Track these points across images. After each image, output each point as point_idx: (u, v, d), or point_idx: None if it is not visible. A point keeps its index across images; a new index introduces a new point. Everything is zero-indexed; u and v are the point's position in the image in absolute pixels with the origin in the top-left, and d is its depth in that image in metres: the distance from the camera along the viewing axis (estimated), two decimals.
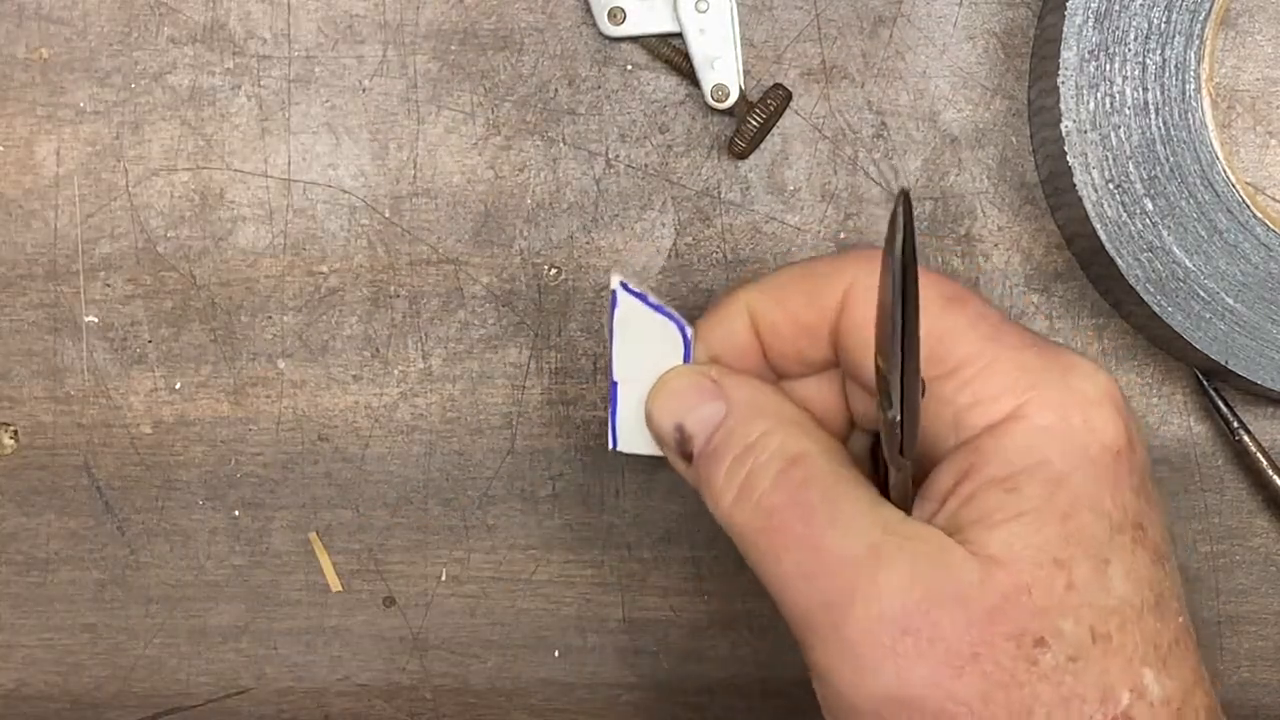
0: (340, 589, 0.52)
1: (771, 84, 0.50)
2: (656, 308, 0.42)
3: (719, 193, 0.51)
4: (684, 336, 0.42)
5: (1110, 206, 0.47)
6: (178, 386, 0.51)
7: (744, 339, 0.41)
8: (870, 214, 0.51)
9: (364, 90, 0.51)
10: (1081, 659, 0.35)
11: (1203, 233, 0.48)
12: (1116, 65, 0.47)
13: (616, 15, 0.50)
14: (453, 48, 0.51)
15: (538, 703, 0.52)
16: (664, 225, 0.51)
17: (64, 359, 0.52)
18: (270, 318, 0.51)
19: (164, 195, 0.51)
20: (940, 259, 0.51)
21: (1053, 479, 0.36)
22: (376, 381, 0.51)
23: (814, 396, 0.42)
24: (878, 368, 0.35)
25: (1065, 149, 0.47)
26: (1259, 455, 0.50)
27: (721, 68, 0.50)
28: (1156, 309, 0.48)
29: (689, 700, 0.52)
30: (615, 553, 0.52)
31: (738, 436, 0.39)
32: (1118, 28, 0.47)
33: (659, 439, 0.42)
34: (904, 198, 0.31)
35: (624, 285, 0.42)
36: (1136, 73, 0.47)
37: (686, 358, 0.42)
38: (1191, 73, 0.47)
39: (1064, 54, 0.47)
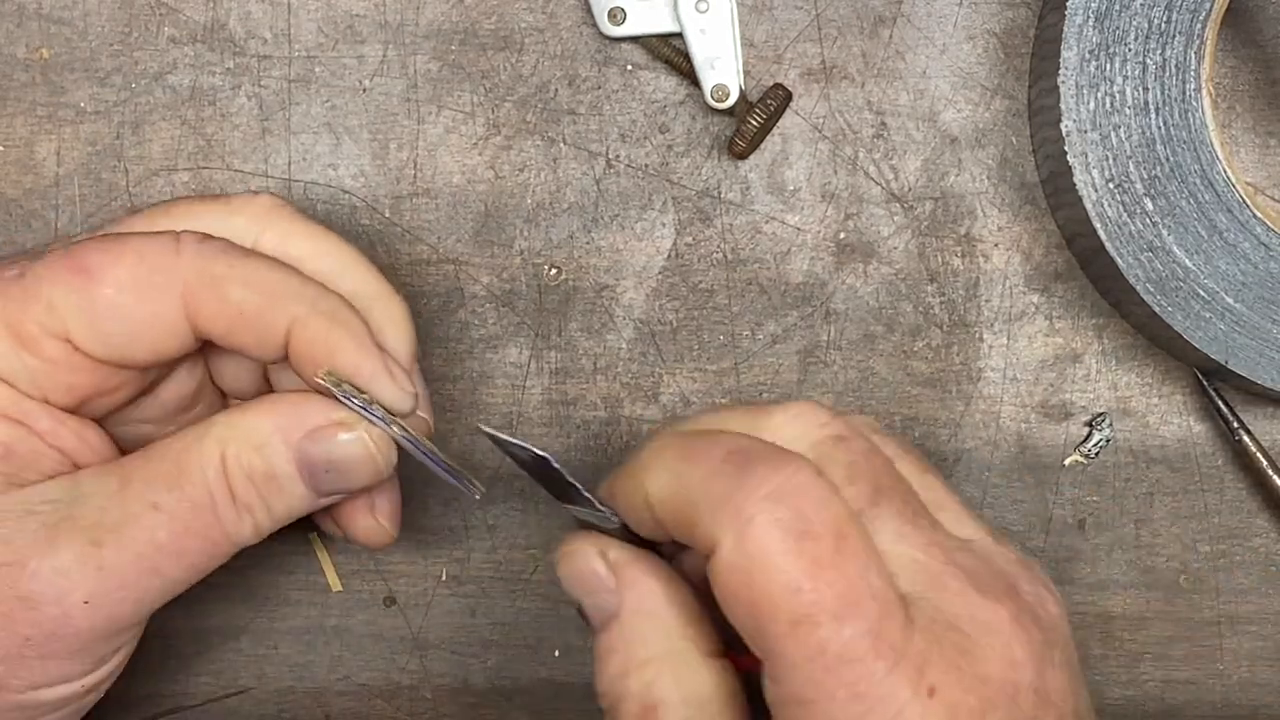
0: (340, 589, 0.52)
1: (771, 84, 0.50)
2: (364, 409, 0.42)
3: (719, 193, 0.51)
4: (407, 439, 0.42)
5: (1110, 206, 0.47)
6: None
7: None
8: (870, 214, 0.51)
9: (364, 90, 0.51)
10: None
11: (1203, 232, 0.48)
12: (1117, 65, 0.47)
13: (616, 15, 0.50)
14: (453, 48, 0.51)
15: (538, 702, 0.52)
16: (664, 225, 0.51)
17: None
18: None
19: (164, 195, 0.51)
20: (940, 259, 0.51)
21: None
22: None
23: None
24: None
25: (1065, 149, 0.47)
26: (1259, 455, 0.50)
27: (721, 68, 0.50)
28: (1156, 309, 0.48)
29: None
30: None
31: (621, 654, 0.39)
32: (1118, 27, 0.47)
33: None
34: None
35: (328, 388, 0.42)
36: (1137, 72, 0.47)
37: (418, 448, 0.43)
38: (1192, 72, 0.47)
39: (1064, 54, 0.47)
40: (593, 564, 0.40)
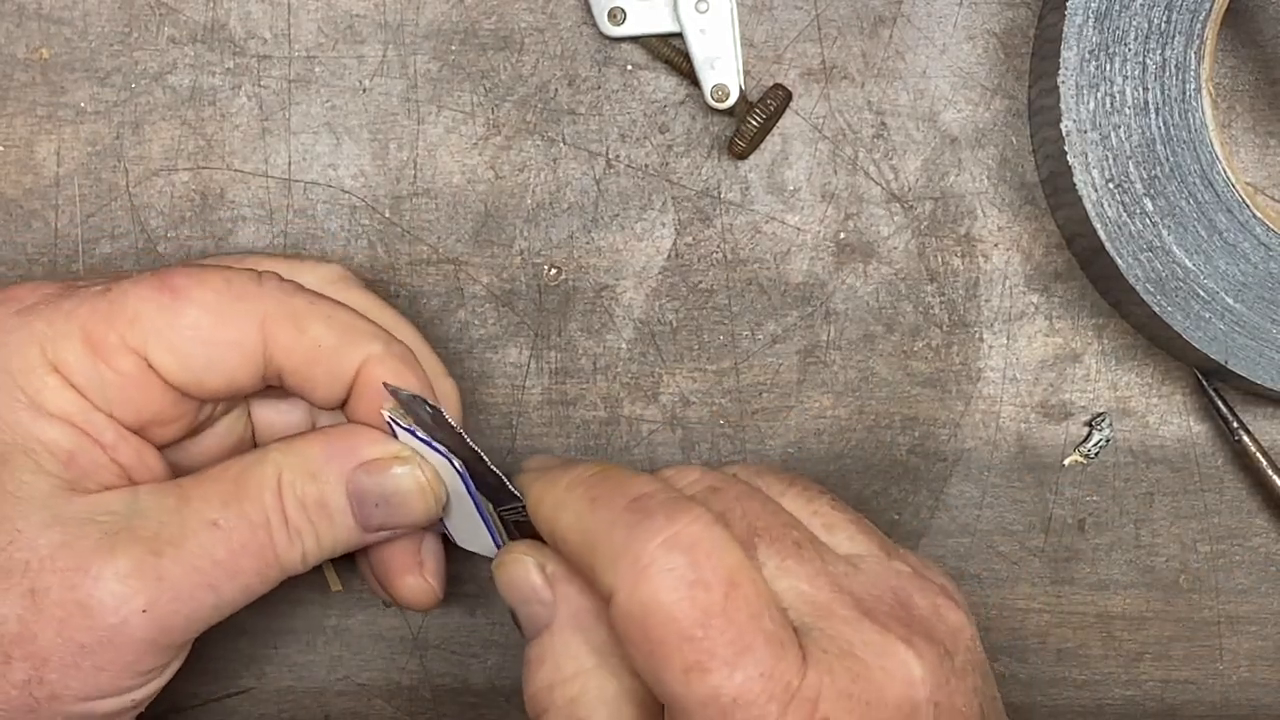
0: (340, 589, 0.52)
1: (771, 84, 0.50)
2: (425, 441, 0.42)
3: (719, 193, 0.51)
4: (457, 471, 0.43)
5: (1110, 206, 0.47)
6: None
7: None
8: (870, 214, 0.51)
9: (364, 90, 0.51)
10: None
11: (1203, 233, 0.48)
12: (1116, 65, 0.47)
13: (616, 15, 0.50)
14: (453, 48, 0.51)
15: None
16: (664, 225, 0.51)
17: None
18: None
19: (164, 195, 0.51)
20: (940, 259, 0.51)
21: None
22: None
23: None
24: None
25: (1065, 149, 0.47)
26: (1259, 455, 0.50)
27: (721, 68, 0.50)
28: (1156, 309, 0.48)
29: None
30: None
31: (549, 665, 0.40)
32: (1118, 27, 0.47)
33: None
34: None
35: (393, 422, 0.42)
36: (1136, 72, 0.47)
37: (467, 486, 0.43)
38: (1191, 73, 0.47)
39: (1064, 54, 0.47)
40: (530, 575, 0.40)
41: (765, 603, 0.36)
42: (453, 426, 0.42)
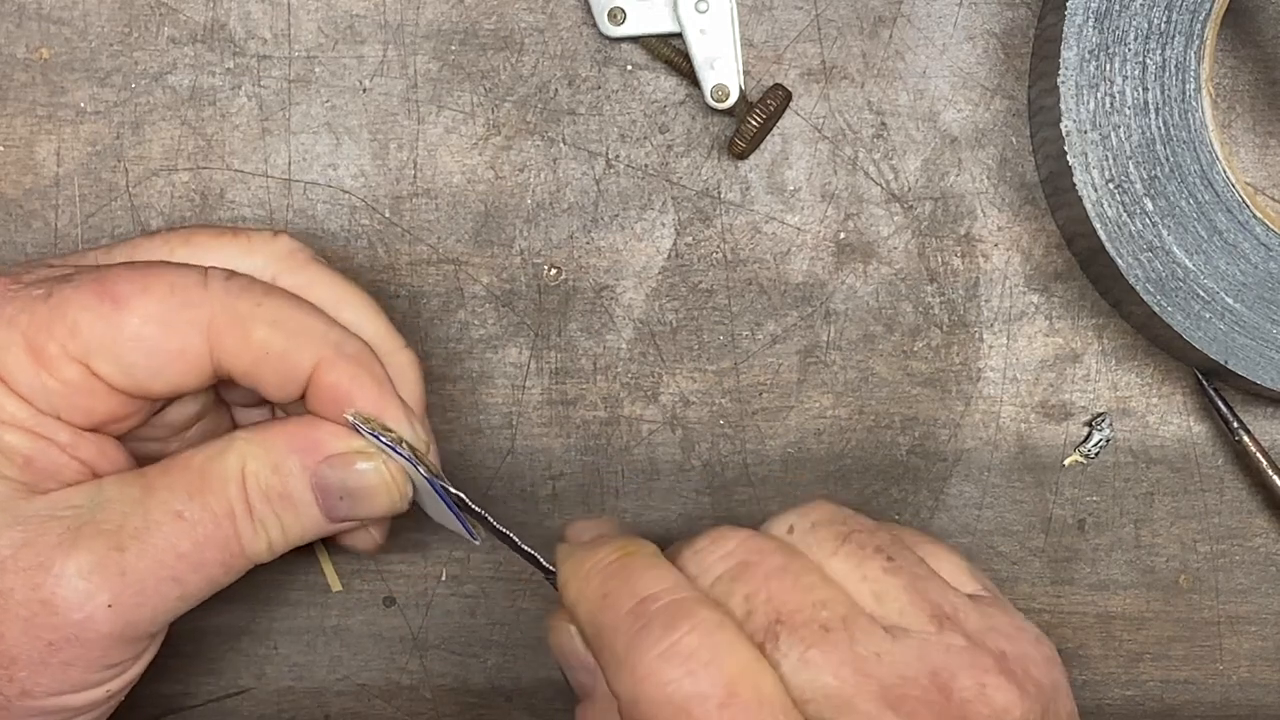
0: (340, 589, 0.52)
1: (771, 84, 0.50)
2: (391, 447, 0.42)
3: (719, 193, 0.51)
4: (424, 476, 0.43)
5: (1110, 206, 0.48)
6: None
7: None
8: (870, 214, 0.51)
9: (364, 90, 0.51)
10: None
11: (1202, 233, 0.48)
12: (1116, 65, 0.47)
13: (616, 15, 0.50)
14: (453, 48, 0.51)
15: (538, 703, 0.52)
16: (664, 225, 0.51)
17: None
18: None
19: (164, 195, 0.51)
20: (940, 259, 0.51)
21: None
22: None
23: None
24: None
25: (1065, 149, 0.47)
26: (1259, 455, 0.50)
27: (721, 68, 0.50)
28: (1156, 309, 0.48)
29: None
30: None
31: None
32: (1118, 27, 0.47)
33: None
34: None
35: (357, 426, 0.42)
36: (1136, 72, 0.47)
37: (434, 487, 0.43)
38: (1191, 73, 0.47)
39: (1064, 54, 0.47)
40: (575, 643, 0.41)
41: (770, 709, 0.36)
42: (479, 510, 0.42)
